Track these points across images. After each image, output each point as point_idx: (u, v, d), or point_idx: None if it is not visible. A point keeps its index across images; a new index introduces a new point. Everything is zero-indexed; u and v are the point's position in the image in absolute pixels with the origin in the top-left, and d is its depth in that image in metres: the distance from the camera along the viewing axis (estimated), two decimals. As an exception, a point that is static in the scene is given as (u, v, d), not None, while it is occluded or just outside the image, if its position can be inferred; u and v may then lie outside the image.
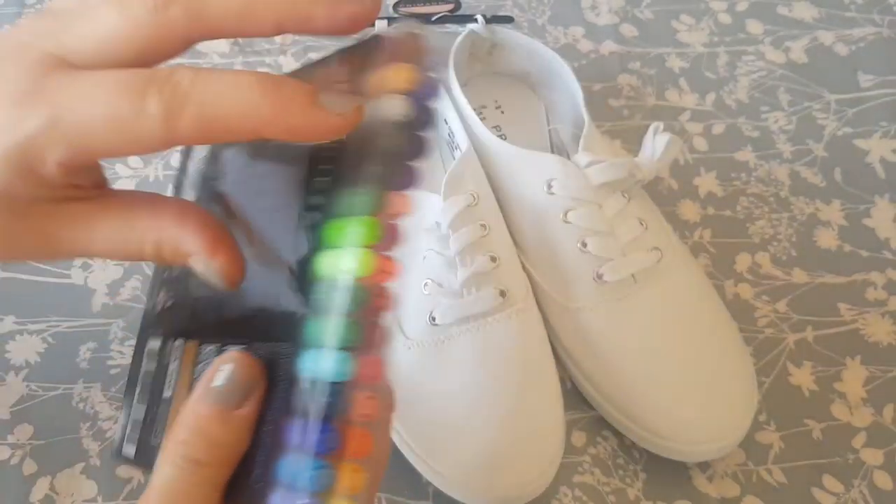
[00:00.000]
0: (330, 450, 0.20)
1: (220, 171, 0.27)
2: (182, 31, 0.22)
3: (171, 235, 0.24)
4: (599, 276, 0.42)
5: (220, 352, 0.24)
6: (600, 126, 0.55)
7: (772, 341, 0.47)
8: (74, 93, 0.22)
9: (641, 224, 0.43)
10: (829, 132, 0.56)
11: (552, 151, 0.51)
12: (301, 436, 0.20)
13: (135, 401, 0.26)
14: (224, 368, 0.23)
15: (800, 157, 0.55)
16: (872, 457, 0.43)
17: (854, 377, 0.46)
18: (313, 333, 0.20)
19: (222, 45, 0.57)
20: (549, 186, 0.43)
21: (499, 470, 0.38)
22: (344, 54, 0.23)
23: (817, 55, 0.61)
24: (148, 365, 0.26)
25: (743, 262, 0.50)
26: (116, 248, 0.24)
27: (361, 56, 0.22)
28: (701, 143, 0.55)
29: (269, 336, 0.23)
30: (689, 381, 0.40)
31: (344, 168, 0.22)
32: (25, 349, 0.44)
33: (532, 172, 0.44)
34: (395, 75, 0.21)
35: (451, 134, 0.48)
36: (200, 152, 0.27)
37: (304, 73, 0.24)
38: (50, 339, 0.45)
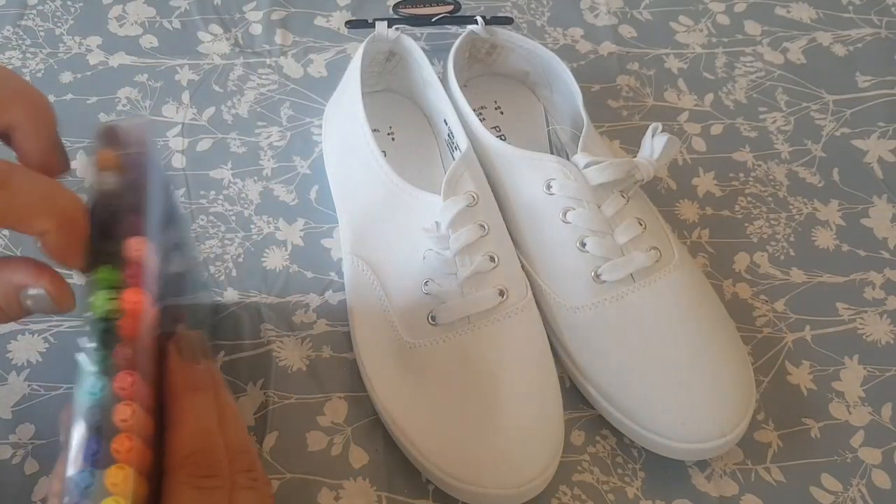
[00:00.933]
0: (94, 455, 0.24)
1: None
2: None
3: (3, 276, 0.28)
4: (598, 276, 0.42)
5: None
6: (599, 126, 0.55)
7: (770, 341, 0.47)
8: None
9: (640, 224, 0.43)
10: (827, 132, 0.57)
11: (551, 152, 0.51)
12: (73, 447, 0.24)
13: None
14: None
15: (798, 157, 0.55)
16: (871, 456, 0.43)
17: (852, 376, 0.46)
18: (81, 364, 0.26)
19: (223, 46, 0.58)
20: (549, 187, 0.43)
21: (498, 468, 0.38)
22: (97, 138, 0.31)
23: (815, 56, 0.61)
24: None
25: (741, 261, 0.50)
26: None
27: (99, 142, 0.30)
28: (699, 144, 0.56)
29: None
30: (688, 380, 0.40)
31: (94, 228, 0.29)
32: (27, 349, 0.44)
33: (531, 173, 0.44)
34: (104, 158, 0.30)
35: (450, 134, 0.48)
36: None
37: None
38: (51, 339, 0.45)
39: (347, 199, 0.48)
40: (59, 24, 0.58)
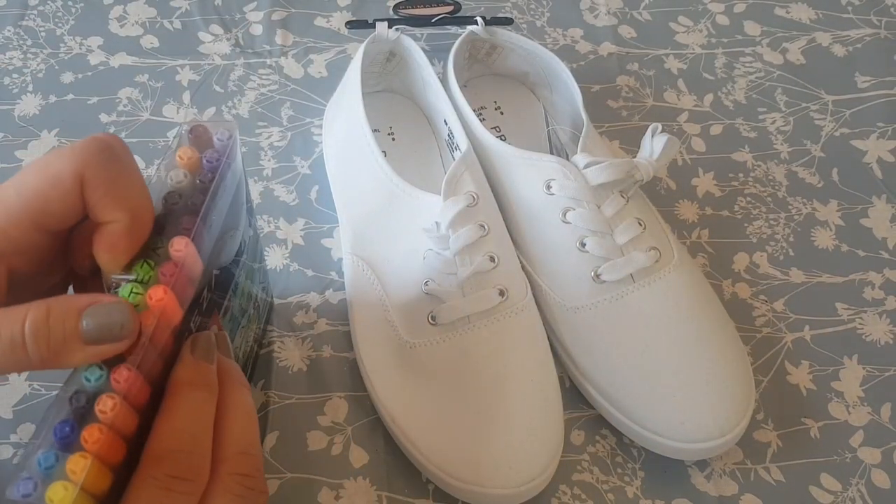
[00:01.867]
0: (64, 438, 0.24)
1: None
2: None
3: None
4: (598, 276, 0.42)
5: None
6: (599, 127, 0.55)
7: (769, 340, 0.47)
8: None
9: (640, 224, 0.43)
10: (827, 133, 0.57)
11: (551, 152, 0.51)
12: (45, 430, 0.24)
13: None
14: None
15: (797, 157, 0.55)
16: (870, 455, 0.43)
17: (851, 376, 0.46)
18: None
19: (224, 46, 0.58)
20: (548, 187, 0.43)
21: (498, 468, 0.38)
22: (183, 135, 0.31)
23: (815, 56, 0.61)
24: None
25: (741, 261, 0.50)
26: None
27: (185, 139, 0.31)
28: (699, 144, 0.56)
29: None
30: (688, 380, 0.40)
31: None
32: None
33: (531, 173, 0.44)
34: (184, 156, 0.30)
35: (450, 135, 0.48)
36: None
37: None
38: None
39: (347, 199, 0.48)
40: (59, 25, 0.58)
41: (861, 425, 0.44)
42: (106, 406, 0.24)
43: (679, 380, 0.40)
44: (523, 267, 0.45)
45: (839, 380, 0.46)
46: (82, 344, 0.25)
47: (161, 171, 0.30)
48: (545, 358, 0.42)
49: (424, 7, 0.52)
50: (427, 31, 0.59)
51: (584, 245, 0.43)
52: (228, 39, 0.58)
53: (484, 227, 0.42)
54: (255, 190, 0.51)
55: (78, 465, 0.23)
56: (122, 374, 0.25)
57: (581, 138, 0.45)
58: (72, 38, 0.58)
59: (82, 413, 0.24)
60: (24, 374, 0.43)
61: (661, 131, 0.44)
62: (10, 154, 0.52)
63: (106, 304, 0.25)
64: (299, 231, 0.50)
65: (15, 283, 0.28)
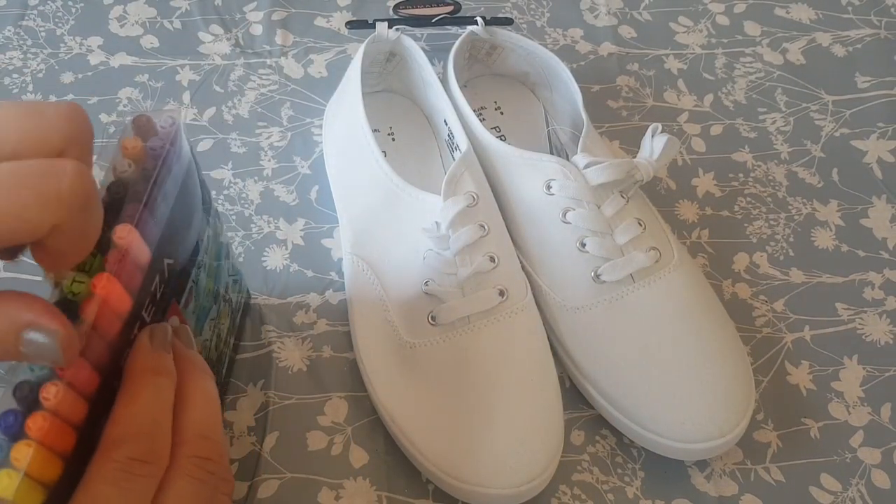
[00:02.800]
0: (8, 427, 0.24)
1: None
2: None
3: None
4: (598, 276, 0.42)
5: None
6: (599, 127, 0.55)
7: (770, 341, 0.47)
8: None
9: (640, 224, 0.43)
10: (827, 133, 0.57)
11: (551, 152, 0.51)
12: None
13: None
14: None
15: (797, 157, 0.55)
16: (870, 455, 0.43)
17: (851, 376, 0.46)
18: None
19: (224, 46, 0.58)
20: (549, 187, 0.43)
21: (498, 468, 0.38)
22: (130, 126, 0.31)
23: (815, 56, 0.61)
24: None
25: (741, 261, 0.50)
26: None
27: (131, 130, 0.30)
28: (699, 144, 0.56)
29: None
30: (687, 380, 0.40)
31: None
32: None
33: (531, 173, 0.44)
34: (129, 146, 0.29)
35: (450, 135, 0.48)
36: None
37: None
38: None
39: (348, 199, 0.48)
40: (60, 25, 0.58)
41: (861, 425, 0.44)
42: (49, 393, 0.24)
43: (679, 380, 0.40)
44: (523, 267, 0.45)
45: (839, 380, 0.46)
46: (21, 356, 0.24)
47: (109, 164, 0.29)
48: (545, 358, 0.42)
49: (424, 7, 0.52)
50: (427, 31, 0.59)
51: (584, 245, 0.43)
52: (228, 39, 0.58)
53: (484, 227, 0.42)
54: (255, 190, 0.51)
55: (21, 453, 0.23)
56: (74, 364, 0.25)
57: (581, 138, 0.45)
58: (72, 38, 0.58)
59: (27, 402, 0.24)
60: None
61: (661, 131, 0.44)
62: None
63: (39, 339, 0.24)
64: (299, 231, 0.50)
65: None
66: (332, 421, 0.43)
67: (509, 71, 0.55)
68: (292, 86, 0.56)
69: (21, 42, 0.57)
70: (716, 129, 0.56)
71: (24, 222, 0.22)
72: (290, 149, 0.53)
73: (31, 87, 0.55)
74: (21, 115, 0.23)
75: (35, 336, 0.24)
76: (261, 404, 0.43)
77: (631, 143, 0.55)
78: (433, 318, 0.41)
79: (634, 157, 0.44)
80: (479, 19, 0.51)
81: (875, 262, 0.51)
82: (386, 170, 0.43)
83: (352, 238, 0.46)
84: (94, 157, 0.27)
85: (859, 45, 0.62)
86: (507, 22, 0.54)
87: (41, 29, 0.58)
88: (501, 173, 0.46)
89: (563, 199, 0.43)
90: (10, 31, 0.57)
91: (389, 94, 0.55)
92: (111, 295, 0.26)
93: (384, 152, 0.46)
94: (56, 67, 0.56)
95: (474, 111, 0.48)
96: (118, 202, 0.28)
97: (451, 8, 0.53)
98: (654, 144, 0.44)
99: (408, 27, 0.52)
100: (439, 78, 0.49)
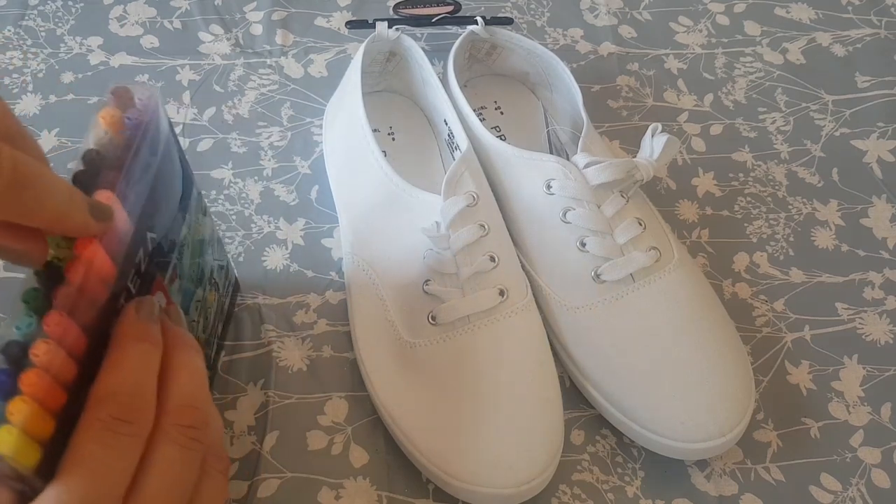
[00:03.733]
0: (1, 389, 0.24)
1: None
2: None
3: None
4: (598, 276, 0.42)
5: None
6: (599, 127, 0.55)
7: (770, 340, 0.47)
8: None
9: (640, 224, 0.43)
10: (827, 133, 0.57)
11: (551, 152, 0.51)
12: None
13: None
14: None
15: (797, 157, 0.55)
16: (870, 455, 0.43)
17: (851, 376, 0.46)
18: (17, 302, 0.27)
19: (224, 46, 0.58)
20: (549, 187, 0.43)
21: (498, 468, 0.38)
22: (109, 98, 0.31)
23: (815, 56, 0.61)
24: None
25: (741, 261, 0.50)
26: None
27: (110, 101, 0.31)
28: (699, 144, 0.56)
29: None
30: (688, 379, 0.40)
31: (78, 184, 0.29)
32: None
33: (531, 173, 0.44)
34: (108, 116, 0.30)
35: (450, 134, 0.48)
36: None
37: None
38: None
39: (348, 199, 0.48)
40: (60, 25, 0.58)
41: (861, 425, 0.44)
42: (40, 350, 0.25)
43: (679, 379, 0.40)
44: (523, 267, 0.45)
45: (839, 380, 0.46)
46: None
47: (89, 134, 0.30)
48: (545, 358, 0.42)
49: (424, 7, 0.52)
50: (427, 30, 0.59)
51: (584, 245, 0.43)
52: (228, 39, 0.58)
53: (484, 226, 0.42)
54: (256, 190, 0.51)
55: (17, 408, 0.24)
56: (54, 319, 0.25)
57: (581, 138, 0.45)
58: (72, 37, 0.58)
59: (17, 361, 0.25)
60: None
61: (661, 131, 0.44)
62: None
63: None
64: (299, 231, 0.50)
65: None
66: (332, 420, 0.43)
67: (509, 71, 0.55)
68: (292, 85, 0.56)
69: (21, 42, 0.57)
70: (716, 129, 0.56)
71: None
72: (290, 149, 0.53)
73: (31, 87, 0.55)
74: None
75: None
76: (261, 404, 0.43)
77: (631, 142, 0.55)
78: (433, 318, 0.41)
79: (634, 156, 0.44)
80: (479, 19, 0.51)
81: (875, 261, 0.51)
82: (386, 170, 0.43)
83: (352, 238, 0.46)
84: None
85: (859, 45, 0.62)
86: (507, 22, 0.54)
87: (41, 29, 0.58)
88: (501, 173, 0.46)
89: (563, 198, 0.43)
90: (10, 30, 0.57)
91: (389, 93, 0.55)
92: (95, 257, 0.27)
93: (384, 152, 0.46)
94: (56, 67, 0.56)
95: (474, 111, 0.48)
96: (94, 170, 0.29)
97: (451, 8, 0.53)
98: (654, 144, 0.44)
99: (408, 27, 0.52)
100: (439, 78, 0.49)
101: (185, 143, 0.53)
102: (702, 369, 0.41)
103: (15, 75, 0.55)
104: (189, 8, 0.60)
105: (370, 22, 0.51)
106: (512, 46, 0.52)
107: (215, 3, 0.60)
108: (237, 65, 0.57)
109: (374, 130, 0.49)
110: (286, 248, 0.49)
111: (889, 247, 0.52)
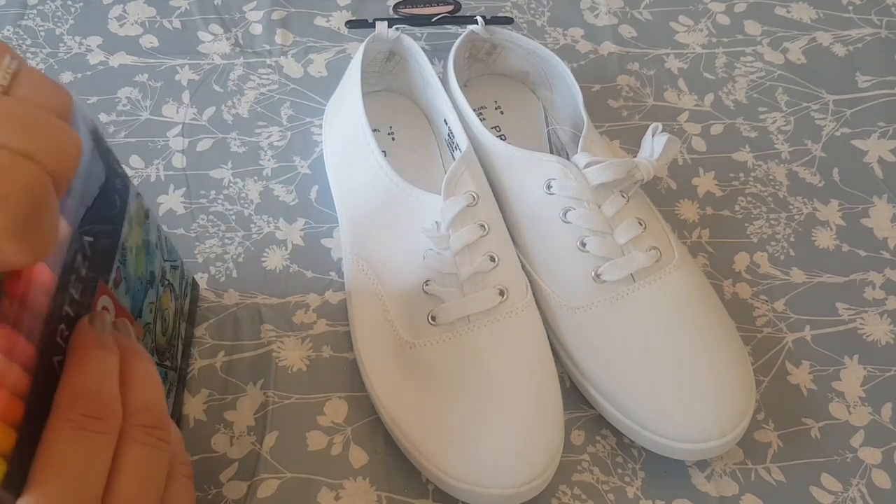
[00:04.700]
0: None
1: None
2: None
3: None
4: (598, 276, 0.42)
5: None
6: (599, 126, 0.55)
7: (770, 340, 0.47)
8: None
9: (640, 224, 0.43)
10: (827, 132, 0.57)
11: (551, 152, 0.51)
12: None
13: None
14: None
15: (798, 157, 0.55)
16: (870, 456, 0.43)
17: (852, 376, 0.46)
18: None
19: (223, 45, 0.58)
20: (549, 186, 0.43)
21: (498, 468, 0.38)
22: None
23: (815, 56, 0.61)
24: None
25: (741, 261, 0.50)
26: None
27: None
28: (699, 144, 0.56)
29: None
30: (688, 380, 0.40)
31: None
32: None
33: (531, 173, 0.44)
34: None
35: (450, 134, 0.48)
36: None
37: None
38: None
39: (347, 199, 0.48)
40: (59, 24, 0.58)
41: (862, 425, 0.44)
42: None
43: (679, 380, 0.40)
44: (523, 267, 0.45)
45: (840, 380, 0.46)
46: None
47: None
48: (545, 358, 0.42)
49: (424, 6, 0.52)
50: (427, 30, 0.59)
51: (584, 245, 0.43)
52: (228, 39, 0.58)
53: (484, 226, 0.42)
54: (255, 190, 0.51)
55: None
56: (1, 333, 0.25)
57: (581, 138, 0.45)
58: (71, 37, 0.58)
59: None
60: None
61: (662, 131, 0.44)
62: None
63: None
64: (299, 231, 0.50)
65: None
66: (331, 421, 0.43)
67: (509, 70, 0.55)
68: (292, 85, 0.56)
69: (20, 41, 0.57)
70: (716, 129, 0.56)
71: None
72: (290, 148, 0.53)
73: (30, 87, 0.55)
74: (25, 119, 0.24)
75: None
76: (260, 404, 0.43)
77: (631, 142, 0.55)
78: (433, 318, 0.41)
79: (635, 156, 0.44)
80: (479, 18, 0.51)
81: (876, 261, 0.51)
82: (386, 169, 0.43)
83: (352, 238, 0.46)
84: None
85: (860, 45, 0.62)
86: (507, 21, 0.54)
87: (40, 28, 0.58)
88: (501, 173, 0.46)
89: (563, 198, 0.43)
90: (9, 30, 0.57)
91: (389, 93, 0.55)
92: (32, 269, 0.26)
93: (384, 152, 0.45)
94: (55, 67, 0.56)
95: (474, 111, 0.48)
96: None
97: (451, 7, 0.53)
98: (655, 144, 0.43)
99: (408, 26, 0.52)
100: (439, 77, 0.49)
101: (184, 142, 0.53)
102: (702, 369, 0.41)
103: (14, 75, 0.55)
104: (188, 7, 0.60)
105: (370, 21, 0.51)
106: (512, 46, 0.52)
107: (215, 2, 0.60)
108: (237, 64, 0.57)
109: (374, 130, 0.49)
110: (286, 249, 0.49)
111: (890, 247, 0.51)
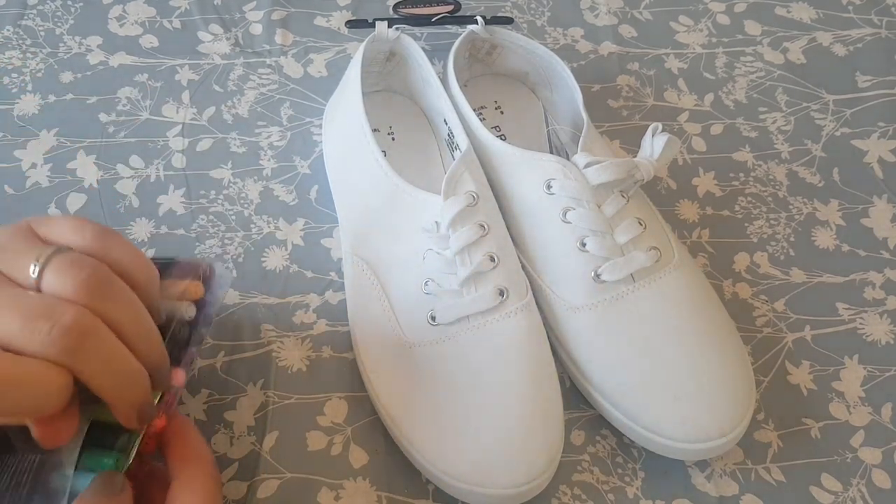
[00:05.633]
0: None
1: None
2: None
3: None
4: (598, 276, 0.42)
5: None
6: (599, 126, 0.55)
7: (770, 340, 0.47)
8: None
9: (640, 224, 0.43)
10: (827, 132, 0.57)
11: (551, 152, 0.51)
12: None
13: None
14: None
15: (798, 157, 0.55)
16: (870, 456, 0.43)
17: (852, 376, 0.46)
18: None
19: (223, 45, 0.58)
20: (549, 186, 0.43)
21: (498, 468, 0.38)
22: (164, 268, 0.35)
23: (815, 56, 0.61)
24: None
25: (741, 261, 0.50)
26: None
27: (172, 272, 0.35)
28: (699, 144, 0.56)
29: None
30: (688, 380, 0.40)
31: None
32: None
33: (531, 173, 0.44)
34: (193, 290, 0.35)
35: (450, 134, 0.48)
36: None
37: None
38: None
39: (347, 199, 0.48)
40: (59, 24, 0.58)
41: (862, 425, 0.44)
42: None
43: (679, 380, 0.40)
44: (523, 267, 0.45)
45: (840, 380, 0.46)
46: None
47: (170, 305, 0.34)
48: (545, 358, 0.42)
49: (424, 6, 0.52)
50: (427, 30, 0.59)
51: (584, 245, 0.43)
52: (228, 39, 0.58)
53: (484, 226, 0.42)
54: (255, 190, 0.51)
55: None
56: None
57: (581, 138, 0.45)
58: (71, 37, 0.58)
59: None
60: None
61: (662, 131, 0.44)
62: (9, 154, 0.52)
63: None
64: (299, 231, 0.50)
65: None
66: (331, 421, 0.43)
67: (509, 70, 0.55)
68: (292, 85, 0.56)
69: (20, 41, 0.57)
70: (716, 129, 0.56)
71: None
72: (290, 148, 0.53)
73: (30, 87, 0.55)
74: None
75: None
76: (260, 404, 0.43)
77: (631, 142, 0.55)
78: (433, 318, 0.41)
79: (635, 156, 0.44)
80: (479, 18, 0.51)
81: (876, 261, 0.51)
82: (386, 169, 0.43)
83: (352, 238, 0.46)
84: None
85: (860, 45, 0.62)
86: (507, 21, 0.54)
87: (40, 28, 0.58)
88: (501, 173, 0.46)
89: (563, 198, 0.43)
90: (9, 30, 0.57)
91: (389, 93, 0.55)
92: (163, 428, 0.33)
93: (384, 152, 0.45)
94: (55, 67, 0.56)
95: (474, 111, 0.48)
96: (177, 341, 0.34)
97: (450, 7, 0.53)
98: (655, 144, 0.43)
99: (408, 26, 0.52)
100: (439, 77, 0.49)
101: (184, 142, 0.53)
102: (702, 370, 0.41)
103: (14, 75, 0.55)
104: (188, 7, 0.60)
105: (370, 21, 0.51)
106: (512, 46, 0.52)
107: (215, 2, 0.60)
108: (237, 64, 0.57)
109: (374, 130, 0.49)
110: (286, 249, 0.49)
111: (890, 247, 0.51)
